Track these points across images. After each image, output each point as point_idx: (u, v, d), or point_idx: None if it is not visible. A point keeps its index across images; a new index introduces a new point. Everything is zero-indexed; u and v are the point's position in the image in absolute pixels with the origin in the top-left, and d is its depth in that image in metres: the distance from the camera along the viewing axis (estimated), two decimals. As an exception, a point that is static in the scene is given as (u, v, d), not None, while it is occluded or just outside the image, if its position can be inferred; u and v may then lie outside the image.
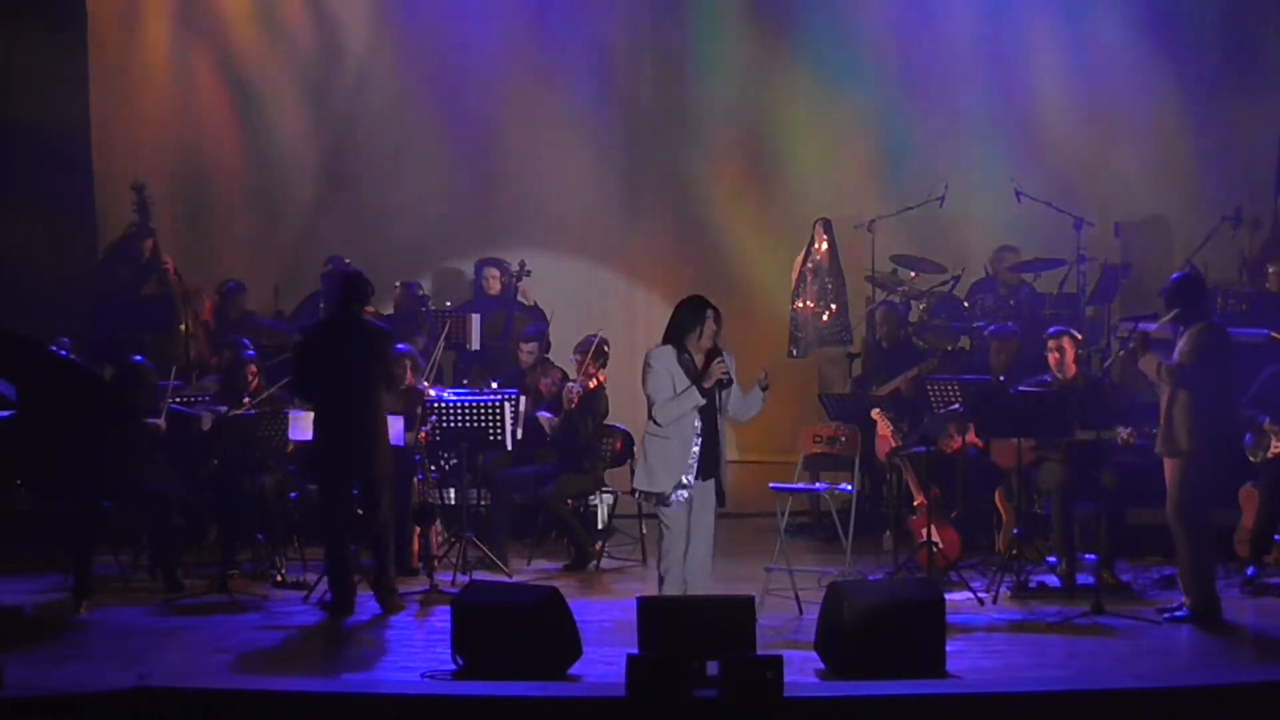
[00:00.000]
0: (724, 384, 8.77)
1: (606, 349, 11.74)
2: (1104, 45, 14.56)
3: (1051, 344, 10.72)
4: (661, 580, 8.91)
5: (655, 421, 8.74)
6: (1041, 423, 10.31)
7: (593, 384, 11.59)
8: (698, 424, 8.76)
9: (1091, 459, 10.30)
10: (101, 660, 8.79)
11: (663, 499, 8.74)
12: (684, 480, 8.75)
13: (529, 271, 13.79)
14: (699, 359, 8.75)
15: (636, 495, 8.98)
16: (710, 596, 8.46)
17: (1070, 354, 10.67)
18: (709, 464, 8.81)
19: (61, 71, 13.92)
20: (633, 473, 9.26)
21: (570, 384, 11.62)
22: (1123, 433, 10.29)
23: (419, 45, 15.29)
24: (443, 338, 12.44)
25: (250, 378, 11.35)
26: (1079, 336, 10.92)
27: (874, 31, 14.92)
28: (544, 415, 11.65)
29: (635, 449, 9.98)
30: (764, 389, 8.91)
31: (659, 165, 15.38)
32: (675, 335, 8.81)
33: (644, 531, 11.57)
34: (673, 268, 14.71)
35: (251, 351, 11.68)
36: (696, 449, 8.77)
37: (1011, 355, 11.86)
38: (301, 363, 10.14)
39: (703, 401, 8.71)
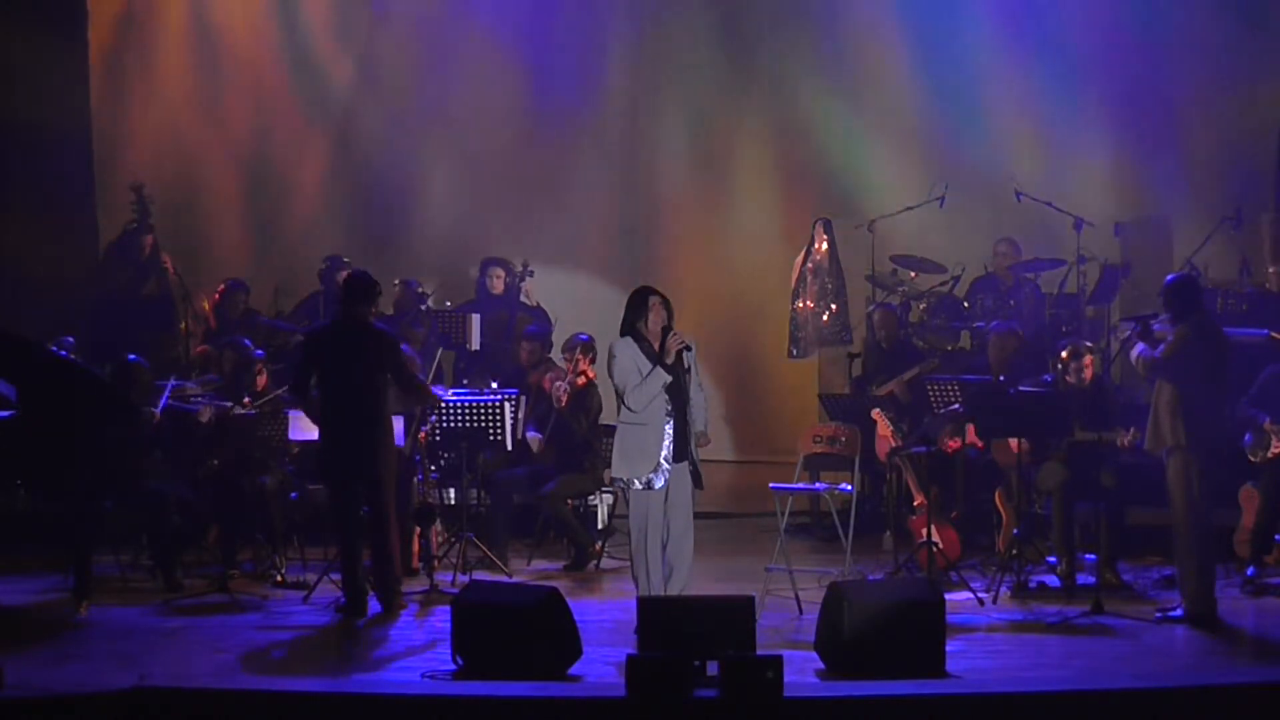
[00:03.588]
0: (687, 350, 9.22)
1: (594, 346, 11.76)
2: (1104, 45, 14.56)
3: (1068, 353, 10.70)
4: (636, 581, 9.15)
5: (629, 408, 9.18)
6: (1041, 423, 10.33)
7: (581, 380, 11.60)
8: (667, 407, 9.19)
9: (1091, 459, 10.31)
10: (101, 660, 8.78)
11: (644, 484, 9.12)
12: (660, 463, 9.14)
13: (532, 272, 13.83)
14: (655, 344, 9.22)
15: (616, 484, 9.33)
16: (710, 596, 8.49)
17: (1090, 368, 10.68)
18: (681, 446, 9.22)
19: (61, 71, 13.92)
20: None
21: (558, 383, 11.62)
22: (1124, 436, 10.30)
23: (420, 45, 15.31)
24: (438, 356, 12.38)
25: (257, 376, 11.36)
26: (1090, 345, 10.94)
27: (875, 32, 14.92)
28: (532, 435, 11.64)
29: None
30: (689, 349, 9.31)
31: (659, 167, 15.40)
32: (628, 325, 9.31)
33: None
34: (673, 269, 14.71)
35: (260, 351, 11.70)
36: (669, 431, 9.17)
37: (1011, 352, 11.85)
38: (304, 364, 10.14)
39: (669, 379, 9.17)
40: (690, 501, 9.31)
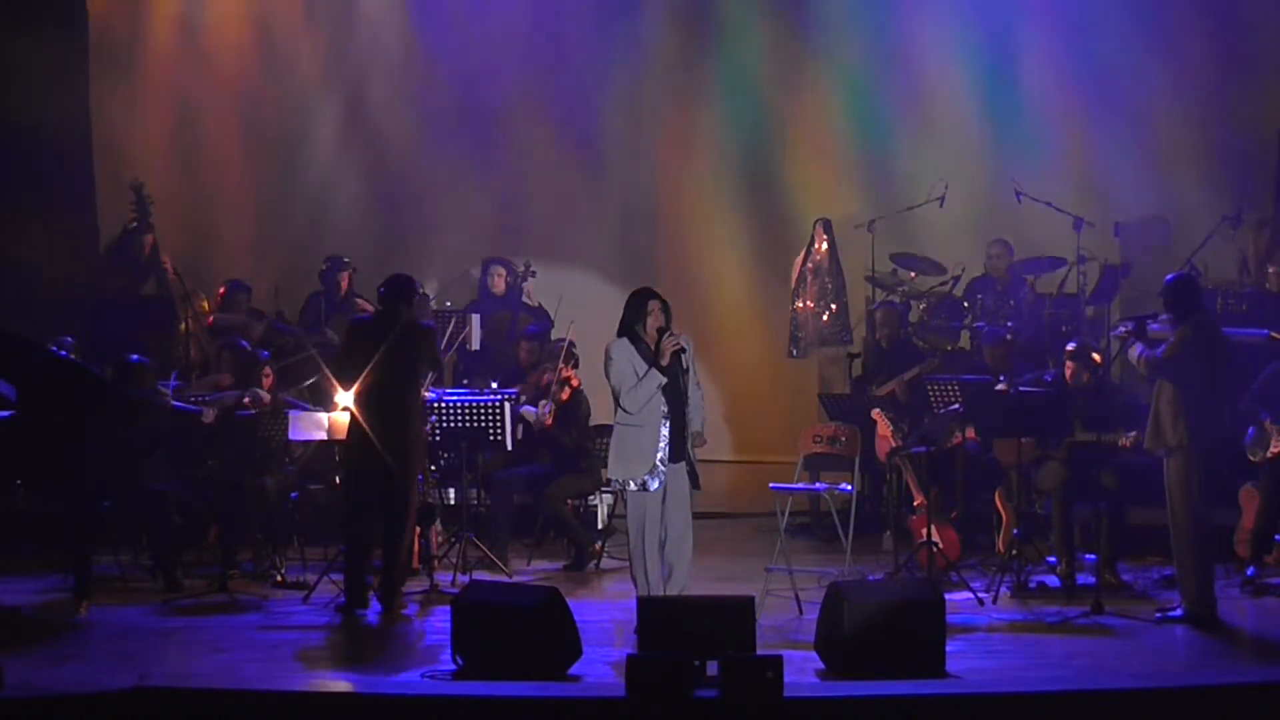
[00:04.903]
0: (683, 351, 9.16)
1: (575, 351, 11.74)
2: (1104, 45, 14.54)
3: (1074, 349, 10.75)
4: (635, 582, 9.18)
5: (625, 410, 9.13)
6: (1041, 423, 10.34)
7: (565, 394, 11.56)
8: (664, 408, 9.14)
9: (1092, 459, 10.31)
10: (101, 660, 8.78)
11: (640, 485, 9.08)
12: (657, 465, 9.09)
13: (534, 272, 13.81)
14: (651, 346, 9.16)
15: (613, 484, 9.29)
16: (710, 596, 8.49)
17: (1085, 373, 10.71)
18: (679, 447, 9.17)
19: (61, 71, 13.91)
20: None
21: (543, 402, 11.55)
22: (1126, 438, 10.30)
23: (420, 47, 15.32)
24: (448, 341, 12.35)
25: (263, 378, 11.37)
26: (1098, 358, 10.96)
27: (875, 32, 14.93)
28: (528, 409, 11.61)
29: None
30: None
31: (658, 167, 15.41)
32: (626, 327, 9.25)
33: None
34: (672, 269, 14.71)
35: (265, 352, 11.71)
36: (665, 432, 9.12)
37: (1003, 357, 11.85)
38: (349, 350, 10.19)
39: (665, 380, 9.12)
40: (689, 502, 9.29)
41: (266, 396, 11.21)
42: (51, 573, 10.67)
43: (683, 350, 9.20)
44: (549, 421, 11.52)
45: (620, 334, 9.26)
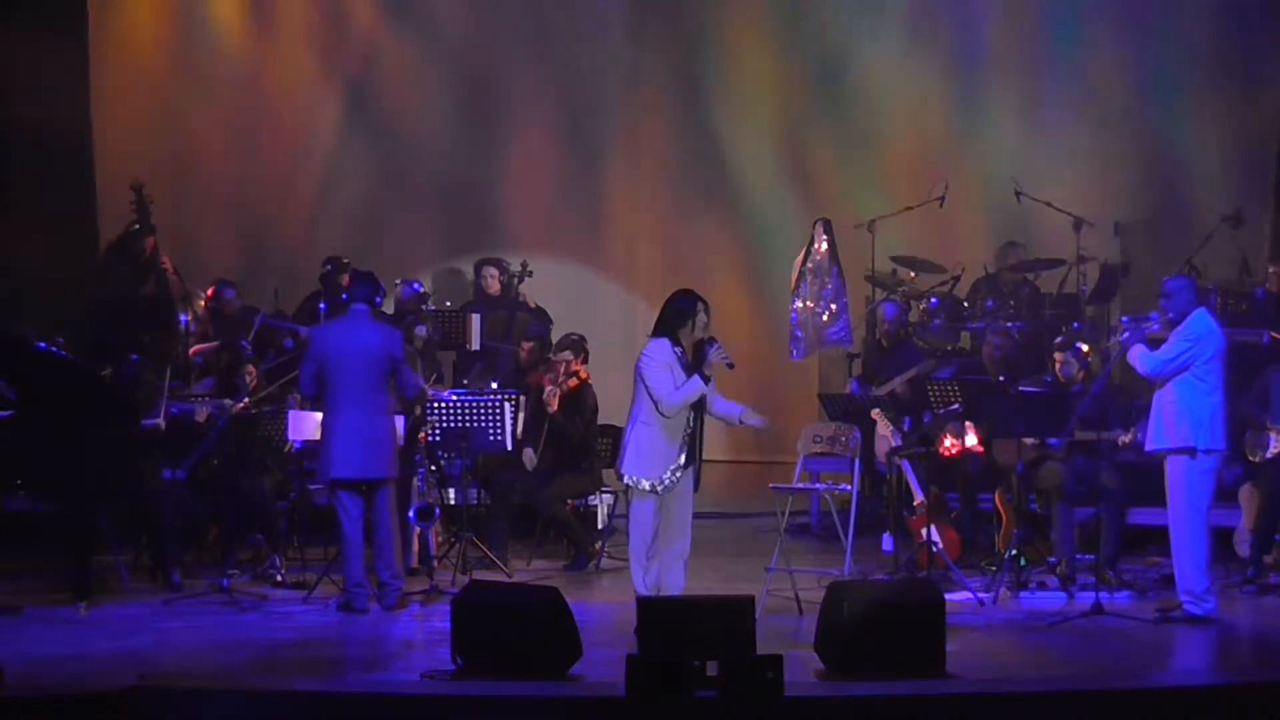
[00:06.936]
0: (730, 367, 9.14)
1: (585, 345, 11.72)
2: (1103, 45, 14.57)
3: (1060, 342, 10.77)
4: (635, 583, 9.18)
5: (662, 414, 9.02)
6: (1041, 422, 10.34)
7: (573, 383, 11.54)
8: (690, 412, 9.13)
9: (1092, 459, 10.31)
10: (101, 660, 8.78)
11: (654, 486, 9.07)
12: (675, 467, 9.10)
13: (531, 273, 13.78)
14: (688, 350, 9.09)
15: (626, 479, 9.24)
16: (710, 596, 8.49)
17: (1075, 365, 10.71)
18: (694, 451, 9.17)
19: (61, 71, 13.91)
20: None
21: (548, 389, 11.54)
22: (1124, 438, 10.30)
23: (418, 46, 15.33)
24: (446, 341, 12.30)
25: (249, 379, 11.34)
26: (1085, 349, 10.95)
27: (874, 33, 14.94)
28: (528, 452, 11.57)
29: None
30: (741, 422, 9.39)
31: (659, 166, 15.41)
32: (668, 328, 9.12)
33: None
34: (672, 269, 14.70)
35: (250, 352, 11.69)
36: (687, 437, 9.12)
37: (1003, 360, 11.85)
38: (308, 361, 10.12)
39: (706, 389, 9.07)
40: (691, 504, 9.30)
41: (205, 412, 11.07)
42: (51, 572, 10.67)
43: (730, 365, 9.14)
44: (554, 406, 11.47)
45: (659, 334, 9.15)
